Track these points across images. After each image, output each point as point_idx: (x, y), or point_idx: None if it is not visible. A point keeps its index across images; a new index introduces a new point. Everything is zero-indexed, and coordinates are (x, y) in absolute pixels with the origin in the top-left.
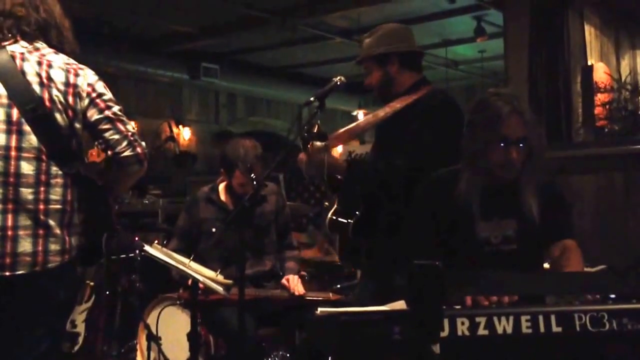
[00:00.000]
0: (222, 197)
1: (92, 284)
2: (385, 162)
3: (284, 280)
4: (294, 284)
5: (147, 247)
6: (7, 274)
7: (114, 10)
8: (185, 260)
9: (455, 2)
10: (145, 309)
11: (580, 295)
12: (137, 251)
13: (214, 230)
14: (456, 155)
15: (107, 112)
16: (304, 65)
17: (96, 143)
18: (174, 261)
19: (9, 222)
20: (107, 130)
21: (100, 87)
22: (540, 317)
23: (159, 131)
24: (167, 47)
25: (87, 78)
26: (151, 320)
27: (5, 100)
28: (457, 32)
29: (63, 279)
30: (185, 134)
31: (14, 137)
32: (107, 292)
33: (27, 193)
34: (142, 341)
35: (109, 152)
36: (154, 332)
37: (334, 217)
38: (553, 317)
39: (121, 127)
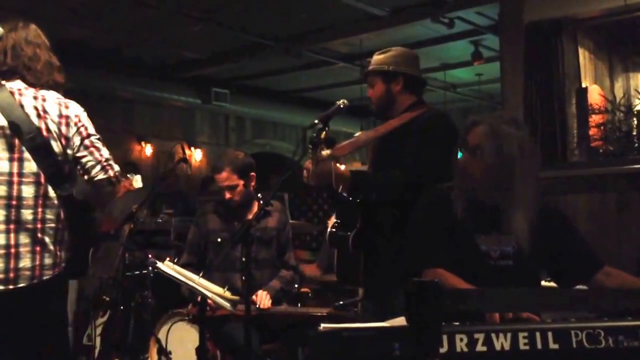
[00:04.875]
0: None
1: (107, 299)
2: (386, 173)
3: (253, 296)
4: (261, 298)
5: (159, 264)
6: (11, 287)
7: (130, 39)
8: (195, 276)
9: (453, 27)
10: (157, 324)
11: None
12: (150, 268)
13: (219, 240)
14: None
15: (86, 141)
16: (309, 89)
17: (76, 167)
18: (185, 278)
19: (12, 241)
20: (84, 157)
21: (85, 118)
22: (538, 334)
23: (172, 153)
24: (181, 73)
25: (75, 109)
26: (161, 335)
27: (7, 131)
28: (455, 56)
29: (55, 290)
30: (197, 155)
31: (15, 164)
32: (122, 308)
33: (27, 214)
34: (153, 355)
35: (86, 177)
36: (164, 346)
37: (334, 230)
38: (550, 334)
39: (96, 153)
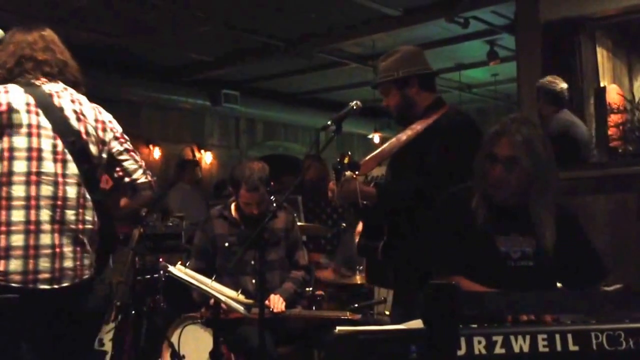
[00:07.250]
0: (234, 214)
1: (118, 303)
2: (409, 182)
3: (266, 301)
4: (274, 302)
5: (171, 268)
6: (56, 286)
7: (136, 40)
8: (208, 280)
9: (468, 27)
10: (169, 328)
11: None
12: (162, 272)
13: (226, 244)
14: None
15: (126, 145)
16: (320, 90)
17: (113, 170)
18: (197, 282)
19: (57, 241)
20: (126, 160)
21: (116, 123)
22: (557, 336)
23: (181, 156)
24: (189, 76)
25: (106, 115)
26: (174, 339)
27: (50, 133)
28: (470, 56)
29: (91, 289)
30: (207, 158)
31: (59, 165)
32: (133, 312)
33: (70, 214)
34: (167, 359)
35: (127, 179)
36: (177, 350)
37: (363, 241)
38: (570, 336)
39: (137, 157)
